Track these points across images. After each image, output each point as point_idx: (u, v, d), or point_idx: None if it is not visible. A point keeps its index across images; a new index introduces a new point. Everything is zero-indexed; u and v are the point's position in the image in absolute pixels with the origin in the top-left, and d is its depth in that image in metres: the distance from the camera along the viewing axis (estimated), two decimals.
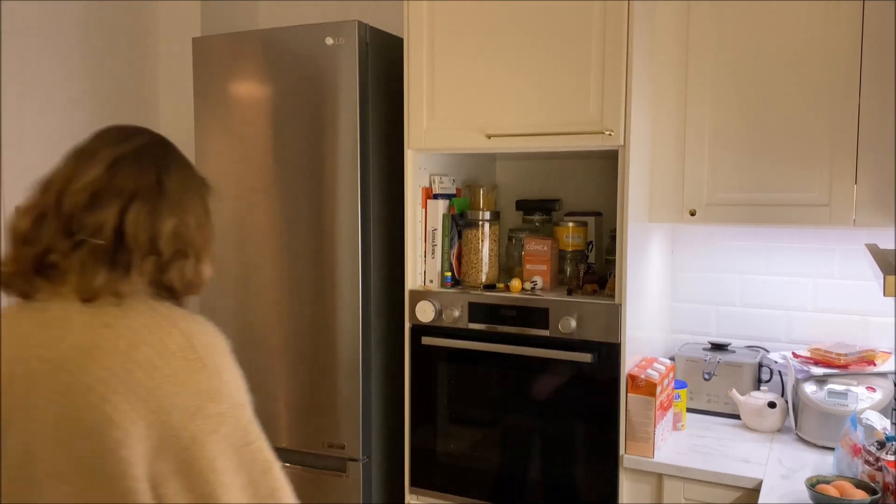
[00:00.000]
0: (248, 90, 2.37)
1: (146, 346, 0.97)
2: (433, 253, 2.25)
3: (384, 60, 2.29)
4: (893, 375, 2.05)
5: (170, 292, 1.09)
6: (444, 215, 2.24)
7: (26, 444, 0.97)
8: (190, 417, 0.95)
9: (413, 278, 2.24)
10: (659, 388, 1.97)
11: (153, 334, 0.98)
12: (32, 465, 0.96)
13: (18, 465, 0.98)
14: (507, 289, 2.17)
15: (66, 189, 1.06)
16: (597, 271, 2.33)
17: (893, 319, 2.20)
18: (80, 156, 1.10)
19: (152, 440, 0.93)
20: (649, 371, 2.01)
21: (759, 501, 1.71)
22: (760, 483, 1.81)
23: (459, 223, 2.29)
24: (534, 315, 2.07)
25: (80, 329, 0.99)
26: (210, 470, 0.95)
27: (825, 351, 2.15)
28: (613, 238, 2.19)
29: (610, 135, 1.94)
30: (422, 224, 2.26)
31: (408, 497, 2.29)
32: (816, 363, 2.12)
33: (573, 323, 2.01)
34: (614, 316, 1.97)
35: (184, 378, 0.97)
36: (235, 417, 1.00)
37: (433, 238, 2.24)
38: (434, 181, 2.29)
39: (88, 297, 1.00)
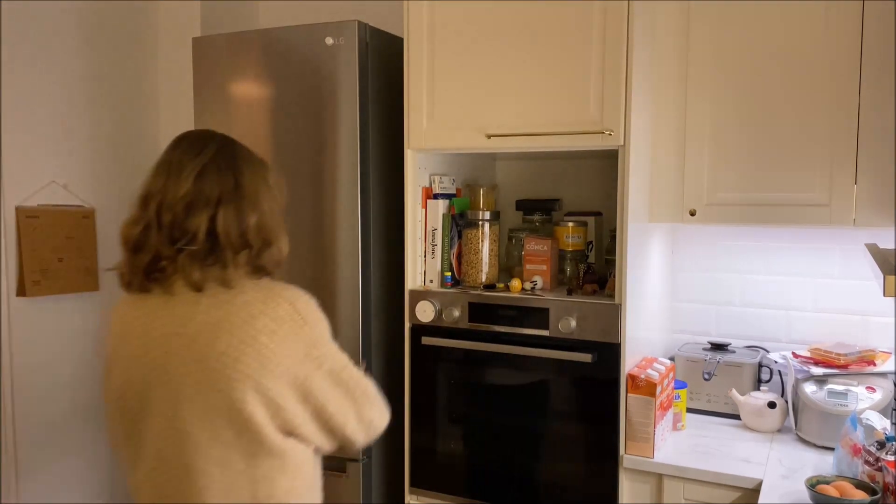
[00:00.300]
0: (248, 90, 2.37)
1: (263, 316, 1.27)
2: (433, 253, 2.25)
3: (384, 60, 2.29)
4: (893, 375, 2.05)
5: (264, 271, 1.36)
6: (444, 215, 2.24)
7: (173, 402, 1.26)
8: (301, 362, 1.30)
9: (413, 278, 2.24)
10: (659, 388, 1.97)
11: (266, 305, 1.28)
12: (179, 419, 1.26)
13: (168, 419, 1.26)
14: (507, 289, 2.17)
15: (164, 203, 1.28)
16: (597, 271, 2.33)
17: (893, 319, 2.20)
18: (169, 171, 1.31)
19: (280, 385, 1.26)
20: (649, 371, 2.01)
21: (759, 501, 1.71)
22: (760, 483, 1.81)
23: (459, 223, 2.29)
24: (534, 315, 2.07)
25: (206, 309, 1.27)
26: (319, 393, 1.32)
27: (825, 351, 2.15)
28: (613, 238, 2.19)
29: (610, 135, 1.94)
30: (422, 224, 2.26)
31: (408, 497, 2.29)
32: (816, 363, 2.12)
33: (573, 323, 2.01)
34: (614, 316, 1.97)
35: (294, 335, 1.29)
36: (330, 354, 1.36)
37: (433, 238, 2.24)
38: (434, 181, 2.29)
39: (197, 289, 1.28)
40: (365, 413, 1.41)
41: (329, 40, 2.16)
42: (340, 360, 1.39)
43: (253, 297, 1.29)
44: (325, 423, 1.35)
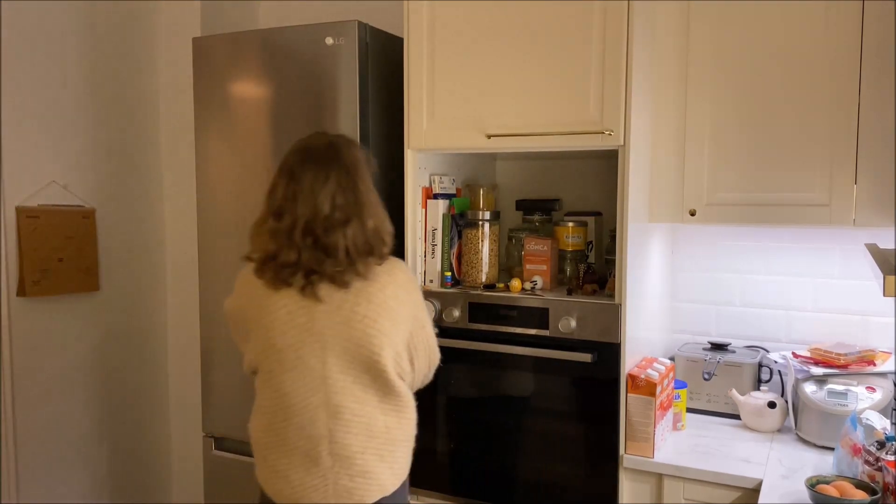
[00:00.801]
0: (248, 90, 2.37)
1: (391, 286, 1.66)
2: (433, 253, 2.25)
3: (384, 60, 2.29)
4: (893, 375, 2.05)
5: (386, 254, 1.70)
6: (444, 215, 2.24)
7: (321, 357, 1.61)
8: (414, 320, 1.71)
9: None
10: (659, 388, 1.97)
11: (392, 277, 1.67)
12: (328, 369, 1.61)
13: (317, 370, 1.61)
14: (507, 289, 2.17)
15: (305, 227, 1.59)
16: (597, 271, 2.33)
17: (893, 319, 2.20)
18: (303, 197, 1.60)
19: (401, 339, 1.66)
20: (649, 371, 2.01)
21: (759, 501, 1.71)
22: (760, 483, 1.81)
23: (459, 223, 2.29)
24: (534, 315, 2.07)
25: (366, 285, 1.63)
26: (417, 348, 1.73)
27: (825, 351, 2.15)
28: (613, 238, 2.19)
29: (610, 135, 1.94)
30: (422, 224, 2.26)
31: (408, 497, 2.28)
32: (816, 363, 2.12)
33: (573, 323, 2.01)
34: (614, 316, 1.97)
35: (409, 300, 1.70)
36: (424, 316, 1.76)
37: (433, 238, 2.24)
38: (434, 181, 2.29)
39: (343, 287, 1.62)
40: (431, 368, 1.83)
41: (329, 40, 2.16)
42: (429, 323, 1.78)
43: (383, 271, 1.67)
44: (414, 372, 1.75)
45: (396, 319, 1.65)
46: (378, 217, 1.67)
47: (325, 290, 1.61)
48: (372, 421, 1.65)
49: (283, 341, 1.62)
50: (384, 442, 1.67)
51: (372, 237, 1.64)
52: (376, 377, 1.65)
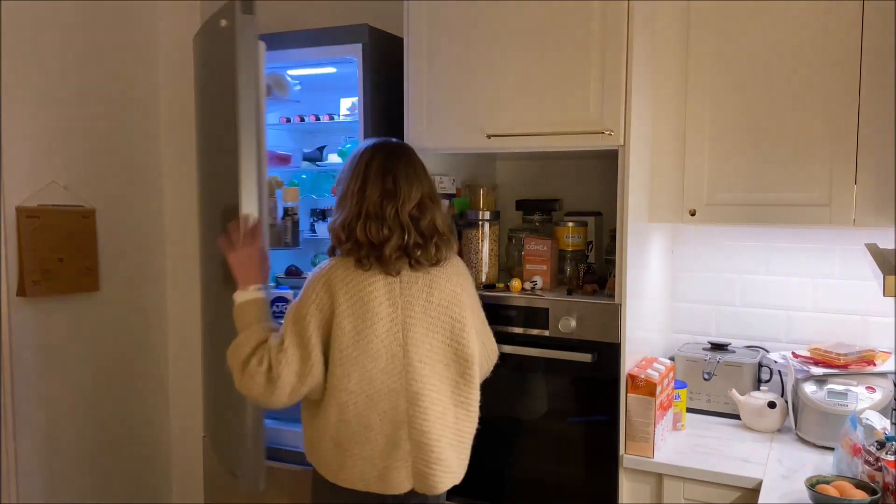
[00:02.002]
0: None
1: (456, 276, 1.84)
2: None
3: (384, 60, 2.29)
4: (893, 375, 2.05)
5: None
6: None
7: (403, 344, 1.73)
8: (477, 312, 1.91)
9: None
10: (659, 388, 1.97)
11: (455, 267, 1.86)
12: (408, 357, 1.73)
13: (399, 357, 1.73)
14: (507, 289, 2.17)
15: (411, 207, 1.75)
16: (597, 271, 2.33)
17: (893, 319, 2.20)
18: (394, 196, 1.75)
19: (471, 325, 1.82)
20: (649, 371, 2.01)
21: (759, 501, 1.71)
22: (760, 483, 1.81)
23: (459, 223, 2.29)
24: (534, 315, 2.07)
25: (439, 273, 1.80)
26: (483, 330, 1.92)
27: (825, 351, 2.14)
28: (613, 238, 2.19)
29: (610, 135, 1.94)
30: None
31: None
32: (816, 363, 2.12)
33: (573, 323, 2.01)
34: (614, 316, 1.97)
35: (471, 289, 1.89)
36: (482, 312, 1.94)
37: None
38: (434, 181, 2.28)
39: (436, 263, 1.80)
40: (491, 364, 1.98)
41: (223, 22, 2.04)
42: (484, 316, 1.96)
43: (453, 263, 1.85)
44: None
45: (466, 306, 1.83)
46: (444, 204, 1.86)
47: (417, 274, 1.77)
48: (446, 410, 1.78)
49: (373, 331, 1.71)
50: (455, 432, 1.81)
51: (450, 219, 1.85)
52: (457, 366, 1.80)
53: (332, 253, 1.82)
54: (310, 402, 1.79)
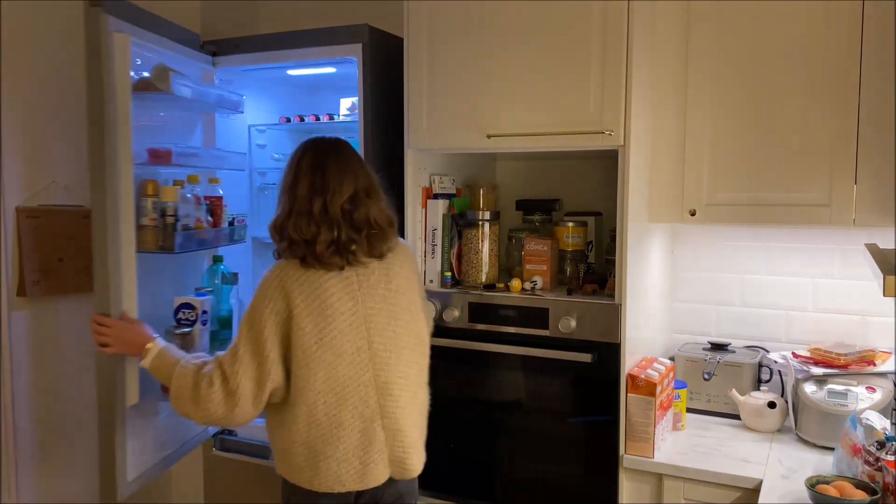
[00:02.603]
0: None
1: (408, 261, 1.88)
2: (433, 253, 2.25)
3: (384, 60, 2.29)
4: (893, 375, 2.05)
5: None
6: (444, 215, 2.24)
7: (367, 336, 1.74)
8: (421, 282, 1.99)
9: None
10: (659, 388, 1.97)
11: (405, 252, 1.89)
12: (373, 347, 1.75)
13: (363, 349, 1.74)
14: (507, 289, 2.17)
15: (342, 201, 1.72)
16: (597, 271, 2.33)
17: (893, 319, 2.20)
18: (323, 173, 1.73)
19: (421, 306, 1.90)
20: (649, 371, 2.01)
21: (759, 501, 1.71)
22: (760, 483, 1.81)
23: (459, 223, 2.29)
24: (534, 315, 2.07)
25: (379, 263, 1.79)
26: (425, 306, 1.95)
27: (825, 351, 2.14)
28: (613, 238, 2.18)
29: (610, 135, 1.94)
30: (422, 224, 2.26)
31: None
32: (816, 363, 2.12)
33: (573, 323, 2.01)
34: (614, 316, 1.97)
35: (418, 276, 1.92)
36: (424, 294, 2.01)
37: (433, 238, 2.24)
38: (434, 181, 2.29)
39: (379, 257, 1.79)
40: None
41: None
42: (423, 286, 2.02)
43: (399, 250, 1.86)
44: None
45: (419, 289, 1.90)
46: (385, 197, 1.83)
47: (363, 266, 1.77)
48: (415, 393, 1.82)
49: (335, 327, 1.71)
50: (421, 415, 1.85)
51: (390, 212, 1.82)
52: (419, 348, 1.85)
53: (278, 256, 1.79)
54: (275, 411, 1.76)
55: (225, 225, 2.36)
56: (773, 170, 2.05)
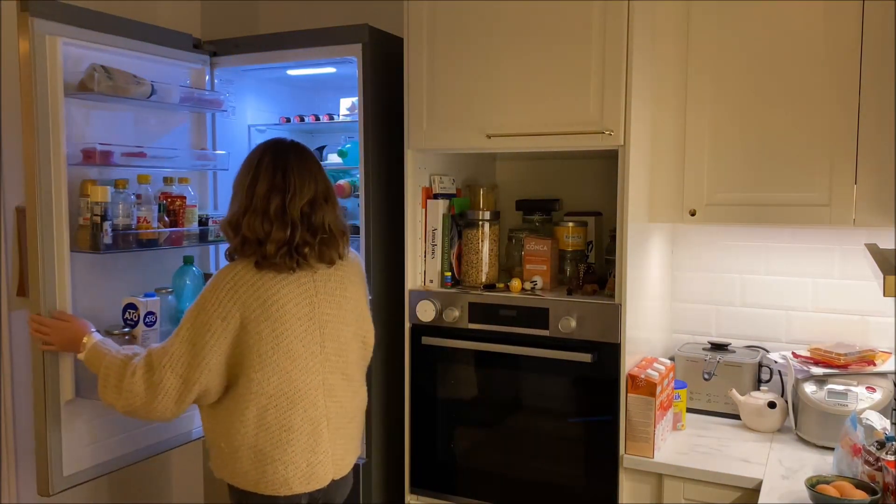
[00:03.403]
0: None
1: (360, 271, 1.95)
2: (433, 253, 2.25)
3: (384, 60, 2.29)
4: (893, 375, 2.05)
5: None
6: (444, 215, 2.24)
7: (321, 340, 1.78)
8: (366, 302, 1.99)
9: (413, 278, 2.24)
10: (659, 388, 1.97)
11: (358, 263, 1.96)
12: (325, 351, 1.80)
13: (318, 354, 1.78)
14: (507, 289, 2.17)
15: (300, 202, 1.72)
16: (597, 271, 2.33)
17: (893, 319, 2.20)
18: (283, 174, 1.72)
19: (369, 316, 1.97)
20: (649, 371, 2.01)
21: (759, 501, 1.71)
22: (760, 483, 1.81)
23: (459, 223, 2.29)
24: (534, 315, 2.07)
25: (335, 270, 1.83)
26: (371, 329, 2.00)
27: (825, 351, 2.14)
28: (613, 238, 2.19)
29: (610, 135, 1.94)
30: (422, 224, 2.26)
31: (408, 498, 2.28)
32: (816, 363, 2.12)
33: (573, 323, 2.01)
34: (614, 316, 1.97)
35: (365, 279, 1.98)
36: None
37: (433, 238, 2.24)
38: (434, 181, 2.29)
39: (330, 263, 1.80)
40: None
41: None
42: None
43: (352, 257, 1.91)
44: None
45: (366, 302, 1.97)
46: (339, 206, 1.85)
47: (320, 271, 1.79)
48: (355, 394, 1.90)
49: (292, 332, 1.72)
50: (359, 411, 1.94)
51: (344, 221, 1.85)
52: (363, 352, 1.94)
53: (230, 257, 1.77)
54: (219, 414, 1.76)
55: (193, 225, 2.31)
56: (773, 170, 2.05)
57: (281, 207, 1.69)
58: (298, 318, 1.73)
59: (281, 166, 1.73)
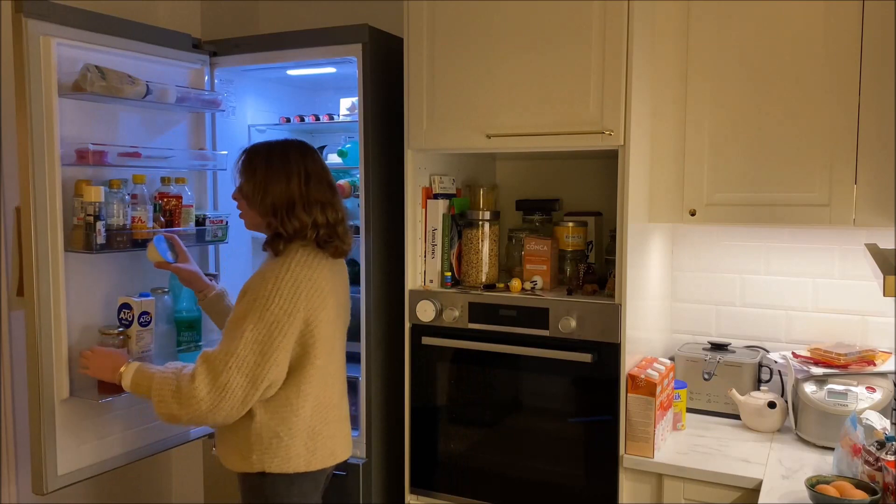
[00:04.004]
0: None
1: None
2: (433, 253, 2.25)
3: (384, 60, 2.29)
4: (893, 375, 2.05)
5: None
6: (444, 215, 2.24)
7: (341, 333, 1.96)
8: None
9: (413, 278, 2.24)
10: (659, 388, 1.97)
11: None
12: (343, 336, 1.97)
13: (341, 338, 1.96)
14: (507, 289, 2.17)
15: (332, 197, 1.89)
16: (597, 271, 2.33)
17: (893, 319, 2.20)
18: (326, 174, 1.91)
19: None
20: (649, 371, 2.01)
21: (759, 501, 1.71)
22: (760, 483, 1.81)
23: (459, 223, 2.29)
24: (534, 315, 2.07)
25: (342, 263, 1.99)
26: None
27: (825, 351, 2.15)
28: (613, 238, 2.19)
29: (610, 135, 1.94)
30: (422, 224, 2.26)
31: (408, 497, 2.28)
32: (816, 363, 2.12)
33: (573, 323, 2.01)
34: (614, 316, 1.97)
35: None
36: None
37: (433, 238, 2.24)
38: (434, 181, 2.29)
39: (344, 256, 1.96)
40: None
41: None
42: None
43: None
44: None
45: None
46: None
47: (341, 262, 1.96)
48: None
49: (335, 313, 1.88)
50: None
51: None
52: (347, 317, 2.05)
53: (275, 248, 1.81)
54: (278, 405, 1.81)
55: (190, 225, 2.31)
56: (773, 170, 2.05)
57: (321, 193, 1.84)
58: (336, 299, 1.88)
59: (305, 162, 1.86)
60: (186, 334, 2.35)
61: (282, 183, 1.81)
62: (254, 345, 1.72)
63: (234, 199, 1.91)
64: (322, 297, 1.80)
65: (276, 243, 1.81)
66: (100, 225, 2.00)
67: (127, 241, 2.10)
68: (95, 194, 2.00)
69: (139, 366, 1.84)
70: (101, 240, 2.01)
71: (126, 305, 2.11)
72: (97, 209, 2.00)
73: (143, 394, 1.80)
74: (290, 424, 1.81)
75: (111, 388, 1.98)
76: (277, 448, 1.82)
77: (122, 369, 1.84)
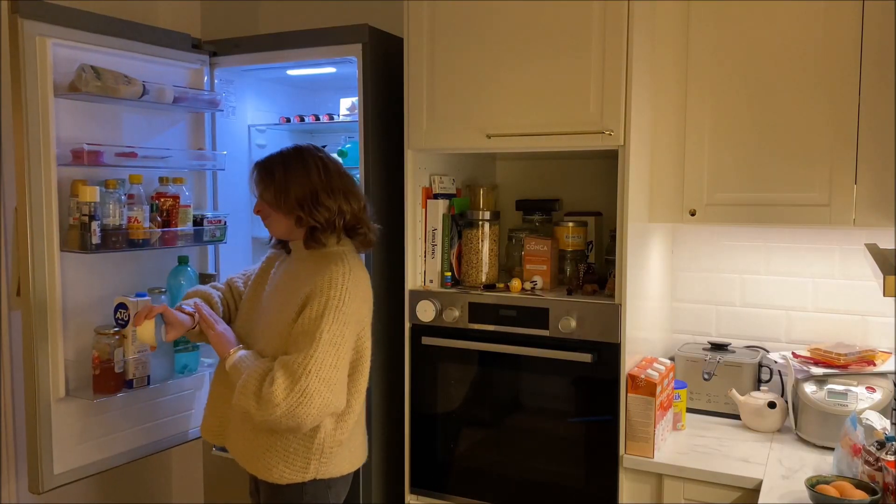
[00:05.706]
0: None
1: None
2: (433, 253, 2.25)
3: (384, 60, 2.29)
4: (893, 375, 2.05)
5: None
6: (444, 215, 2.24)
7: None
8: None
9: (413, 278, 2.24)
10: (659, 388, 1.97)
11: None
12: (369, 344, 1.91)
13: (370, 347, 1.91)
14: (507, 289, 2.17)
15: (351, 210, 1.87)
16: (597, 271, 2.33)
17: (893, 319, 2.20)
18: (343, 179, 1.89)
19: None
20: (649, 371, 2.01)
21: (759, 501, 1.71)
22: (760, 483, 1.81)
23: (459, 223, 2.29)
24: (534, 315, 2.07)
25: None
26: None
27: (825, 351, 2.14)
28: (613, 238, 2.19)
29: (610, 135, 1.94)
30: (422, 224, 2.26)
31: (408, 498, 2.28)
32: (816, 363, 2.12)
33: (573, 323, 2.01)
34: (614, 316, 1.97)
35: None
36: None
37: (433, 238, 2.24)
38: (434, 181, 2.29)
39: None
40: None
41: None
42: None
43: None
44: None
45: None
46: None
47: None
48: None
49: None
50: None
51: None
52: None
53: (320, 242, 1.82)
54: (343, 414, 1.84)
55: (188, 225, 2.30)
56: (773, 170, 2.05)
57: (341, 182, 1.87)
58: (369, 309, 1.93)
59: (324, 152, 1.92)
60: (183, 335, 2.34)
61: (302, 177, 1.81)
62: (328, 346, 1.71)
63: (258, 212, 1.88)
64: (369, 305, 1.87)
65: (318, 236, 1.82)
66: (95, 225, 2.00)
67: (123, 241, 2.10)
68: (90, 194, 2.00)
69: (247, 353, 1.84)
70: (96, 240, 2.01)
71: (122, 305, 2.10)
72: (92, 209, 1.99)
73: (234, 380, 1.79)
74: (350, 428, 1.85)
75: (106, 387, 1.98)
76: (337, 454, 1.84)
77: (233, 350, 1.85)
